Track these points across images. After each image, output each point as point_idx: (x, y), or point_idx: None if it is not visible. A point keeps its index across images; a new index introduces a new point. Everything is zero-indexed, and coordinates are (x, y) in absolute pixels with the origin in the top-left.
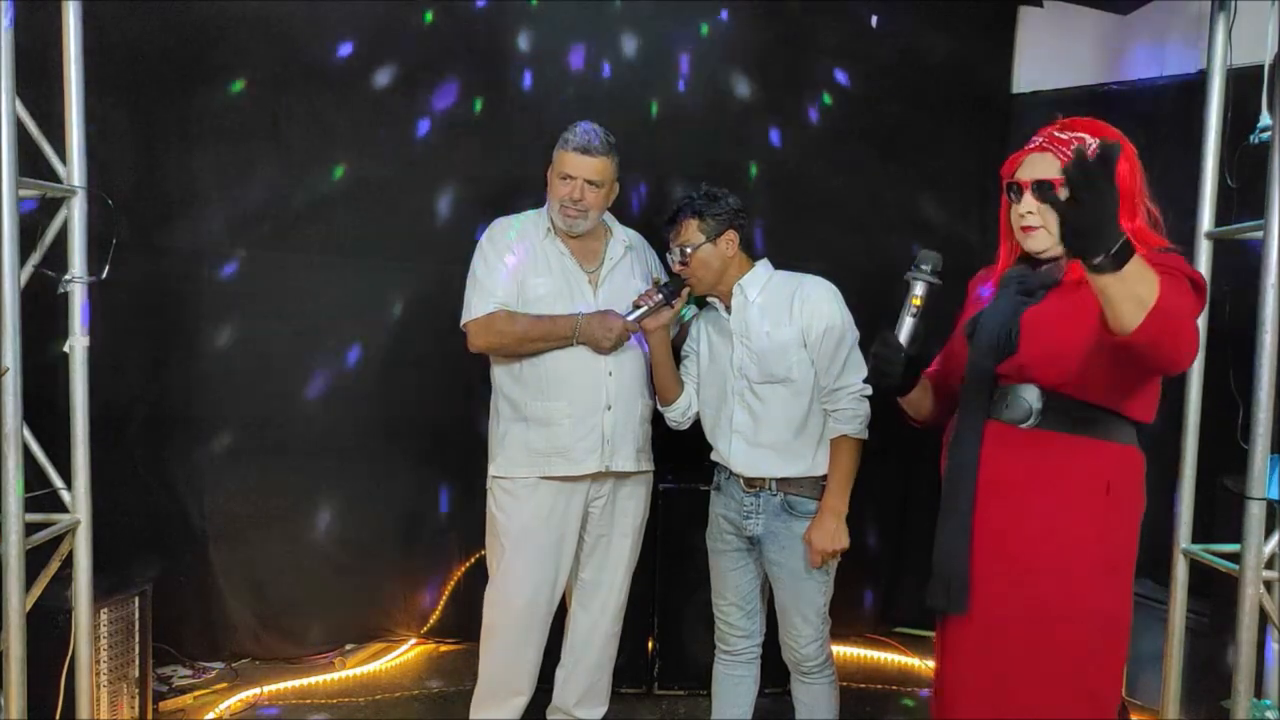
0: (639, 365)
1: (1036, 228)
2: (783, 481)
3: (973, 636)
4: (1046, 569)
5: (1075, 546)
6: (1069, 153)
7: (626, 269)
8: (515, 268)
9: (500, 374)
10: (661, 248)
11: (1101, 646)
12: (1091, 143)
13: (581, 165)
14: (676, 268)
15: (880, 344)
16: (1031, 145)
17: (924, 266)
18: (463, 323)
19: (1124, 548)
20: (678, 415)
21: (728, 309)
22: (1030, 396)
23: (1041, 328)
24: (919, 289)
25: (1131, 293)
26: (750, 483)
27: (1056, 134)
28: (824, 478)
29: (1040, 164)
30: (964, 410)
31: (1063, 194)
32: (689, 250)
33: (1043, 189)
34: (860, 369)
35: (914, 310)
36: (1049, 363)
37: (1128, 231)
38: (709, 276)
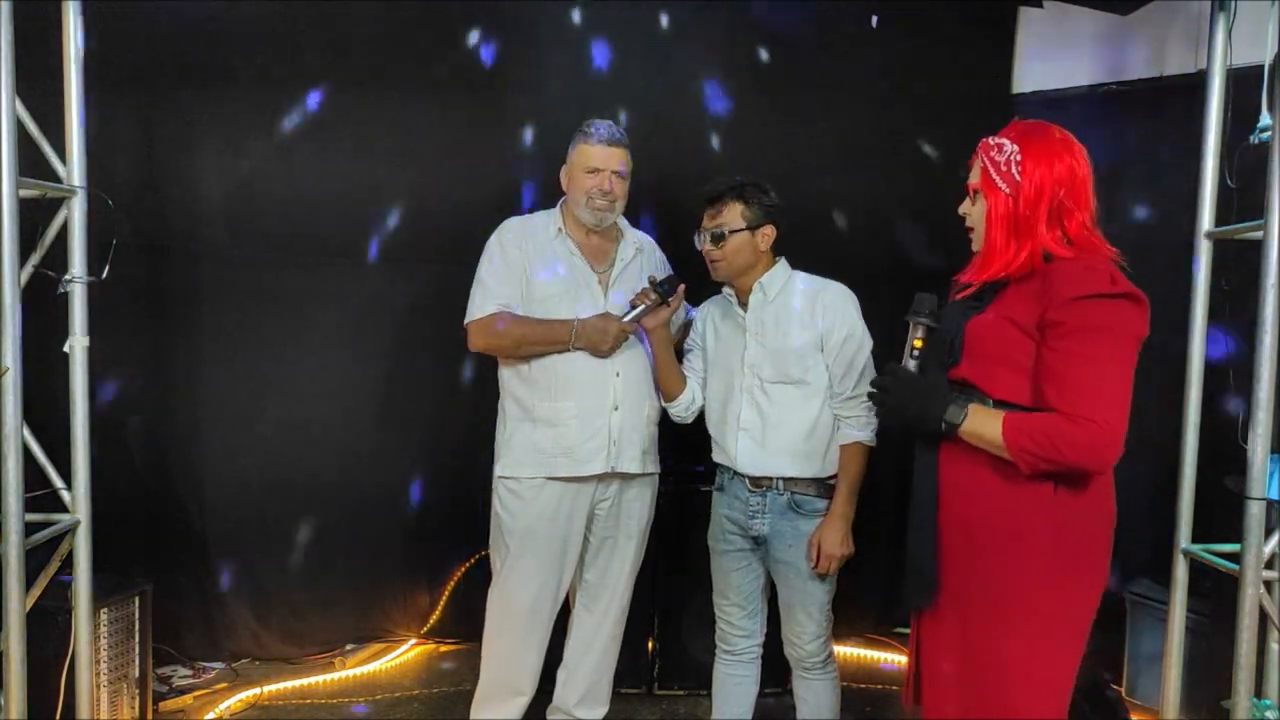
0: (646, 366)
1: (970, 229)
2: (789, 480)
3: (943, 631)
4: (999, 567)
5: (1025, 546)
6: (986, 159)
7: (636, 271)
8: (523, 268)
9: (508, 374)
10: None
11: (1052, 643)
12: (1009, 148)
13: (609, 157)
14: (705, 248)
15: (890, 375)
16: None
17: (922, 310)
18: (465, 322)
19: (1082, 549)
20: (681, 410)
21: (743, 305)
22: (978, 401)
23: (977, 340)
24: (920, 333)
25: (987, 445)
26: (756, 482)
27: (988, 139)
28: (830, 478)
29: (974, 168)
30: None
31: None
32: (726, 233)
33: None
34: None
35: (915, 353)
36: (983, 376)
37: (1045, 243)
38: (738, 263)
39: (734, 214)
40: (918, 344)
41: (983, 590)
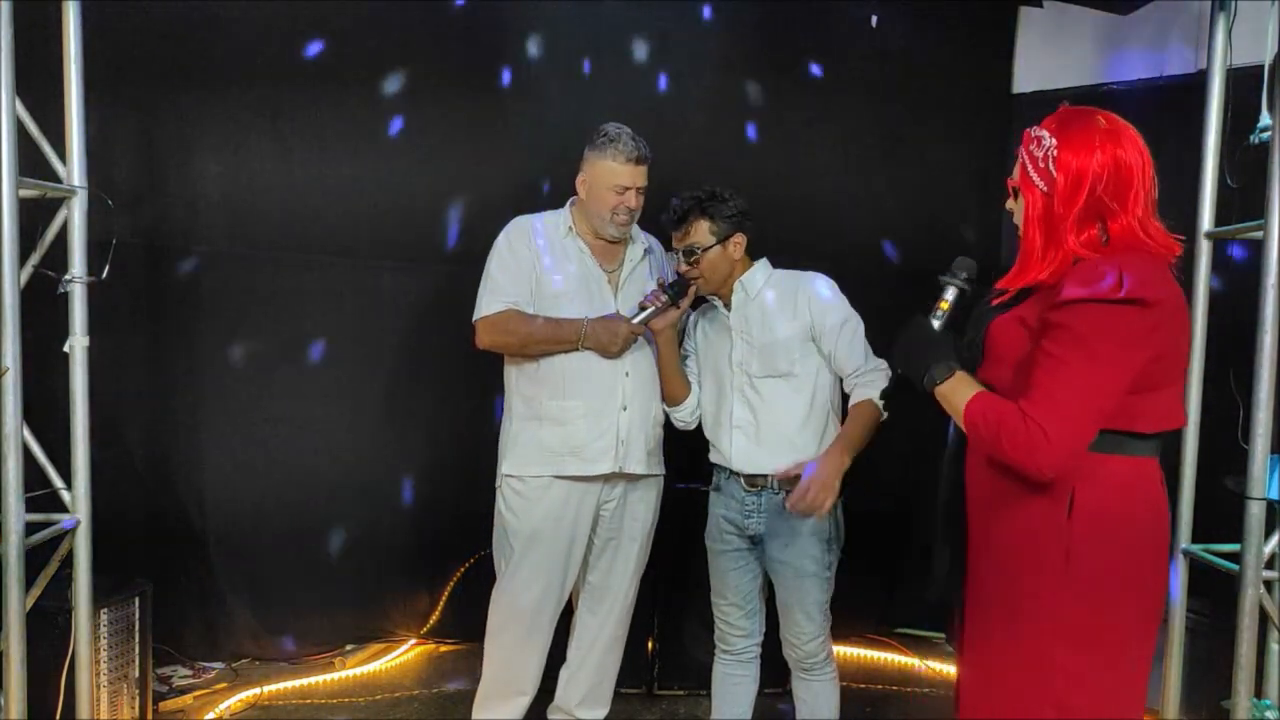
0: (654, 367)
1: (1017, 226)
2: (784, 479)
3: (976, 639)
4: (1015, 582)
5: (1040, 566)
6: (1025, 153)
7: (645, 272)
8: (533, 266)
9: (515, 373)
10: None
11: (1068, 659)
12: (1048, 141)
13: (637, 175)
14: (682, 268)
15: (910, 322)
16: None
17: (959, 273)
18: (473, 319)
19: (1103, 574)
20: (686, 415)
21: (726, 305)
22: None
23: (994, 342)
24: (949, 294)
25: (953, 412)
26: (751, 482)
27: (1030, 130)
28: None
29: (1015, 162)
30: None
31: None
32: (698, 251)
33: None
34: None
35: (939, 314)
36: (995, 377)
37: (1073, 250)
38: (716, 278)
39: (701, 231)
40: (943, 305)
41: (1003, 603)
